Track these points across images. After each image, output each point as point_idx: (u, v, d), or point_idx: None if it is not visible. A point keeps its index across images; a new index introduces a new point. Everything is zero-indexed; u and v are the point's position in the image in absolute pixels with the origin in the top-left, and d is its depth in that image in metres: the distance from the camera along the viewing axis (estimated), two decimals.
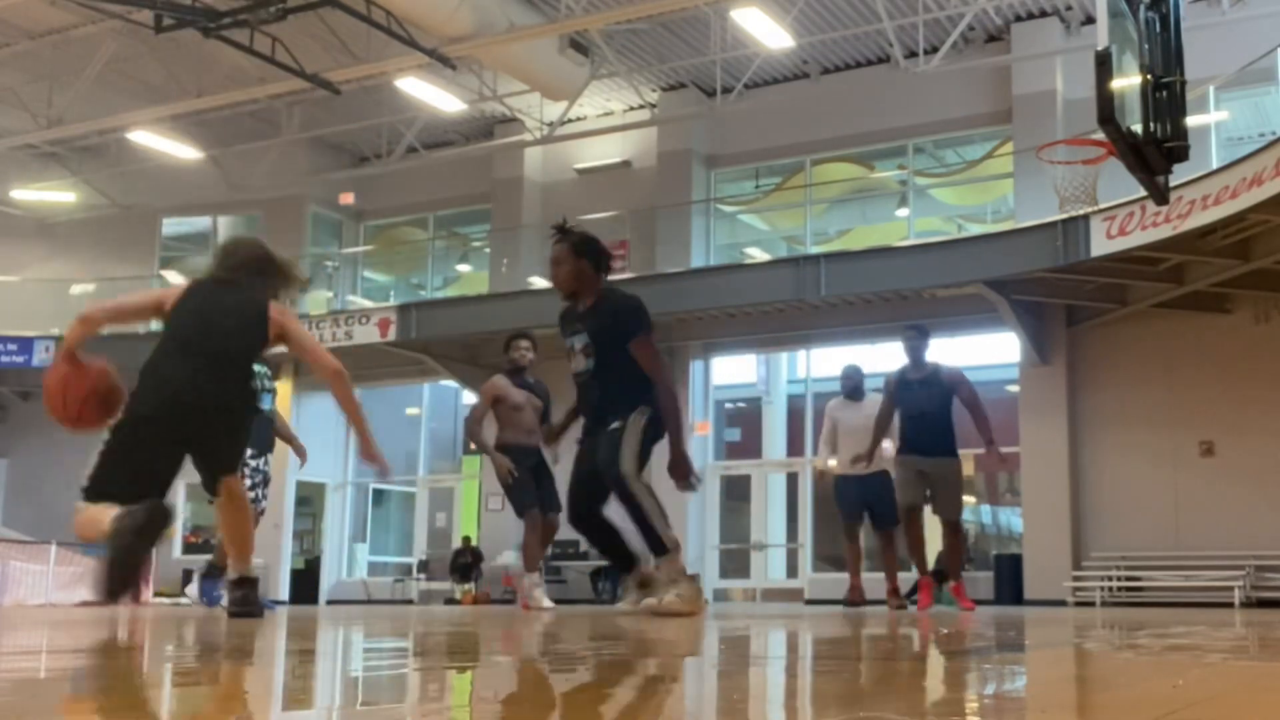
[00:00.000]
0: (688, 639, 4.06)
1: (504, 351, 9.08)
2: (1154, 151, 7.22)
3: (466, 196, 21.99)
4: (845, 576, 10.54)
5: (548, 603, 8.69)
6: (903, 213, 19.51)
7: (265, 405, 8.03)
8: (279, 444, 8.85)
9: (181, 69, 18.18)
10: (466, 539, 20.08)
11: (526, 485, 8.64)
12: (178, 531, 22.05)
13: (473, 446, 10.04)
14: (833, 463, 10.08)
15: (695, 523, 18.72)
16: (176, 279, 24.63)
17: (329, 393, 5.36)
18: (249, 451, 7.96)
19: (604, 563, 18.93)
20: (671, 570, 5.77)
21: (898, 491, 9.34)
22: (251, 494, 8.02)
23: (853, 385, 10.15)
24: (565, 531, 22.52)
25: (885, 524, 9.91)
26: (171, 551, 21.55)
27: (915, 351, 9.32)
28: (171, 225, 24.21)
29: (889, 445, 9.61)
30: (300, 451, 8.85)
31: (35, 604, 14.22)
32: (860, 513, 10.04)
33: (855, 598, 10.14)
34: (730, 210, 20.99)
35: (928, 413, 9.11)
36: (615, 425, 5.86)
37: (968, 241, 16.52)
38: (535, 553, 8.88)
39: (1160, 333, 15.86)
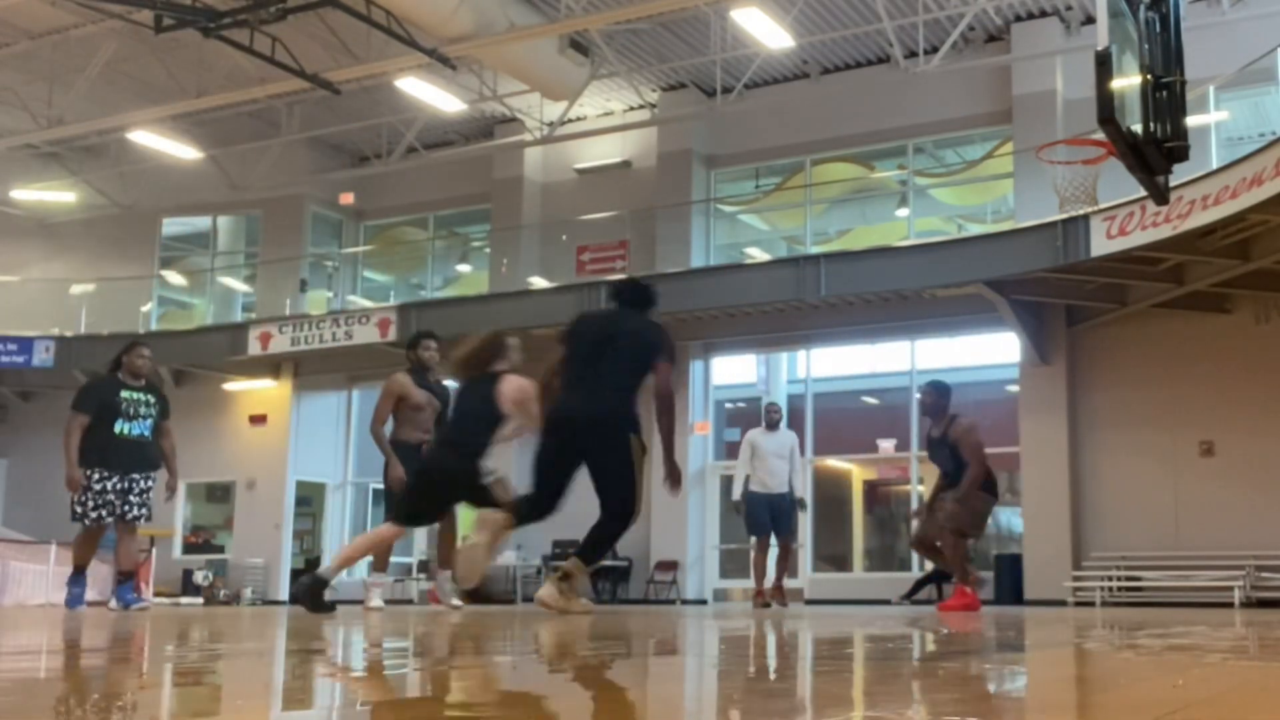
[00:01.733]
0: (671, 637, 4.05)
1: (408, 349, 9.15)
2: (1154, 151, 7.22)
3: (466, 196, 21.98)
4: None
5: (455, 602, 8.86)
6: (903, 213, 19.50)
7: (138, 431, 8.84)
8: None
9: (181, 69, 18.18)
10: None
11: (407, 492, 8.84)
12: (177, 531, 22.06)
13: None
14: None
15: (695, 523, 18.72)
16: (176, 279, 24.67)
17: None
18: (142, 475, 8.92)
19: (603, 563, 18.97)
20: None
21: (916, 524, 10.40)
22: (143, 510, 8.89)
23: (775, 420, 11.97)
24: (564, 531, 22.42)
25: (785, 535, 11.69)
26: (171, 552, 21.56)
27: (925, 410, 9.97)
28: (171, 225, 24.19)
29: (784, 466, 11.50)
30: (172, 477, 9.21)
31: (35, 604, 14.23)
32: (770, 526, 11.53)
33: (762, 601, 11.57)
34: (730, 210, 20.98)
35: (945, 472, 9.73)
36: None
37: (968, 241, 16.50)
38: (384, 555, 9.11)
39: (1160, 333, 15.85)
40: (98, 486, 8.67)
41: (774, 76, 19.32)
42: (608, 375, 6.51)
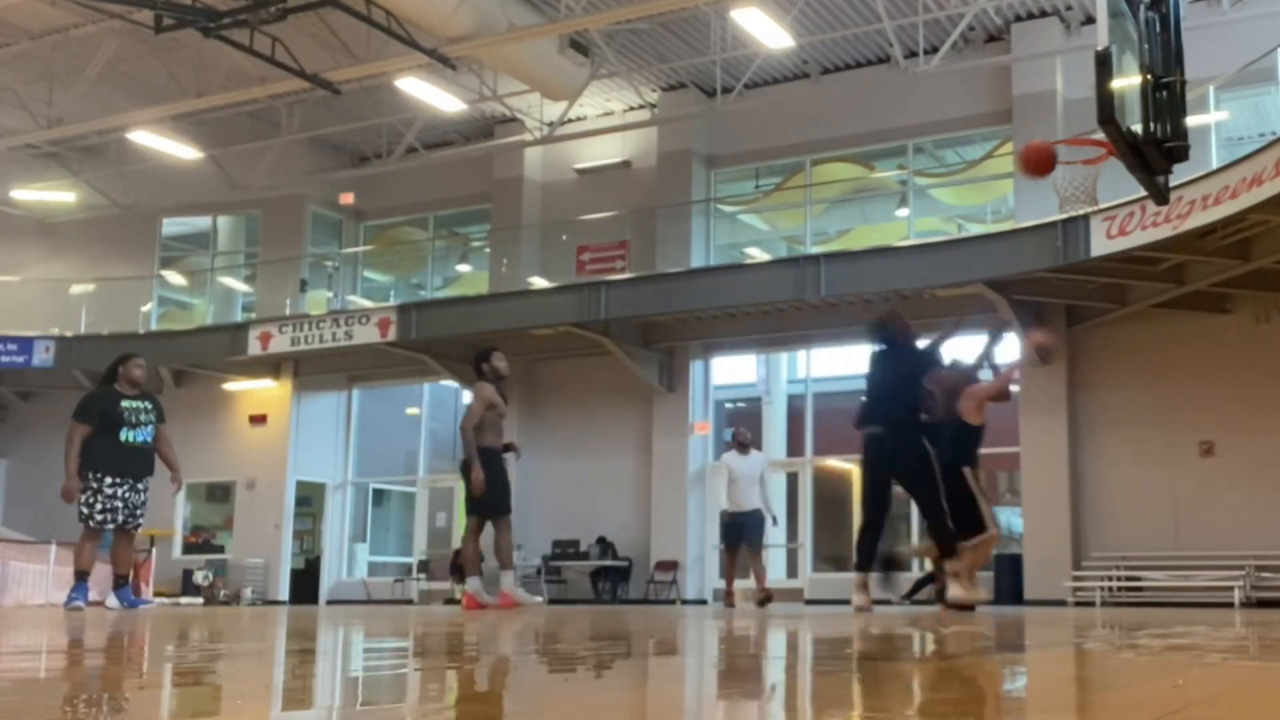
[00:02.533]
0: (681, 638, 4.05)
1: (482, 361, 9.53)
2: (1154, 151, 7.21)
3: (466, 196, 21.98)
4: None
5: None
6: (903, 213, 19.49)
7: (142, 438, 9.09)
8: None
9: (181, 69, 18.17)
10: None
11: (508, 489, 9.40)
12: (177, 531, 22.06)
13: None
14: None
15: (695, 523, 18.72)
16: (176, 279, 24.66)
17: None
18: (144, 482, 9.17)
19: (604, 563, 18.99)
20: None
21: None
22: (142, 519, 9.16)
23: (746, 443, 13.01)
24: (565, 531, 22.36)
25: (755, 546, 12.98)
26: (171, 551, 21.56)
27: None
28: (171, 225, 24.19)
29: (753, 488, 12.65)
30: (176, 472, 9.47)
31: (35, 604, 14.22)
32: (738, 541, 12.78)
33: (732, 601, 12.97)
34: (730, 210, 20.97)
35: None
36: None
37: (968, 241, 16.51)
38: (509, 550, 9.82)
39: (1160, 333, 15.85)
40: (109, 490, 8.92)
41: (774, 76, 19.31)
42: None
